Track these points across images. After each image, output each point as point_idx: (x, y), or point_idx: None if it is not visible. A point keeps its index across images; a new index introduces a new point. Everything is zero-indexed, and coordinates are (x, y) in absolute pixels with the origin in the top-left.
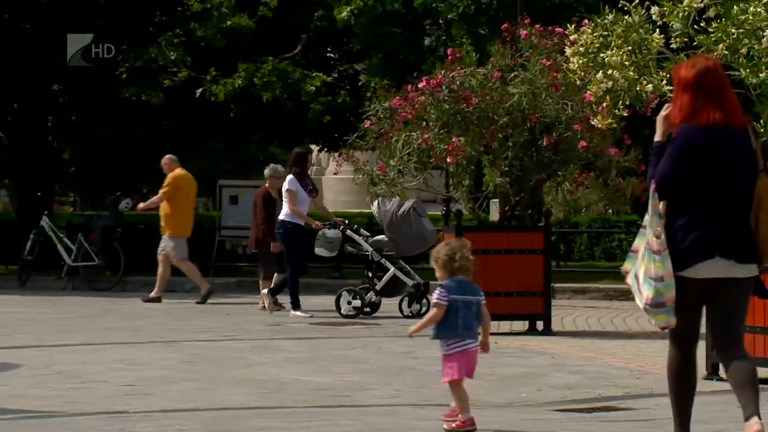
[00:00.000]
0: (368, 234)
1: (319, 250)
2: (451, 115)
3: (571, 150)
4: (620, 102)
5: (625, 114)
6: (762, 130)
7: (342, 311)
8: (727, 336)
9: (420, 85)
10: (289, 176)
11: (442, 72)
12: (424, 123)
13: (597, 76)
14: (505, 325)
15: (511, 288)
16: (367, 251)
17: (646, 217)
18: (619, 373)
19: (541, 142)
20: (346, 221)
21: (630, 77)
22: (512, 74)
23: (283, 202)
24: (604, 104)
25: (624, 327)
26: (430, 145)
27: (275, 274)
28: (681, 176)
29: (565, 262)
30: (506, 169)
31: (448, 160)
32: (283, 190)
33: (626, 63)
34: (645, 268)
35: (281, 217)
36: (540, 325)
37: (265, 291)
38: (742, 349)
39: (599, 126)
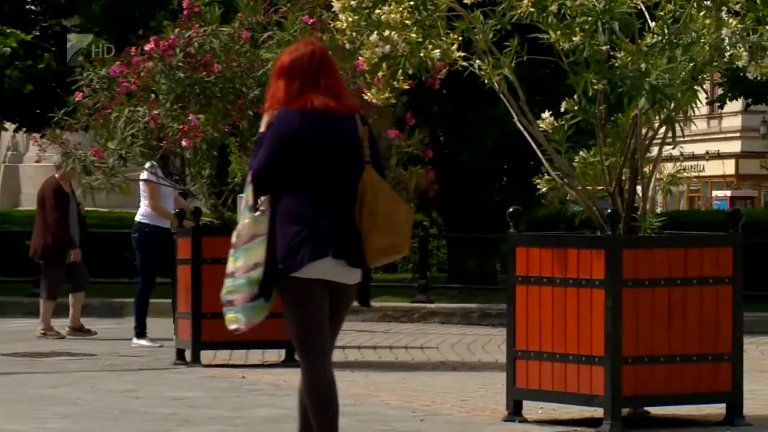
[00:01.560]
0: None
1: None
2: (187, 85)
3: None
4: (400, 71)
5: (407, 86)
6: (576, 108)
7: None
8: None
9: (147, 48)
10: (149, 162)
11: (176, 31)
12: (153, 96)
13: (371, 38)
14: (255, 355)
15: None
16: None
17: (239, 211)
18: (398, 414)
19: None
20: (216, 221)
21: (412, 40)
22: (265, 35)
23: (142, 198)
24: (381, 74)
25: (406, 356)
26: (161, 124)
27: (41, 298)
28: (282, 166)
29: None
30: None
31: (184, 143)
32: (140, 180)
33: (407, 22)
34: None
35: (138, 218)
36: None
37: (69, 330)
38: (330, 364)
39: (374, 101)
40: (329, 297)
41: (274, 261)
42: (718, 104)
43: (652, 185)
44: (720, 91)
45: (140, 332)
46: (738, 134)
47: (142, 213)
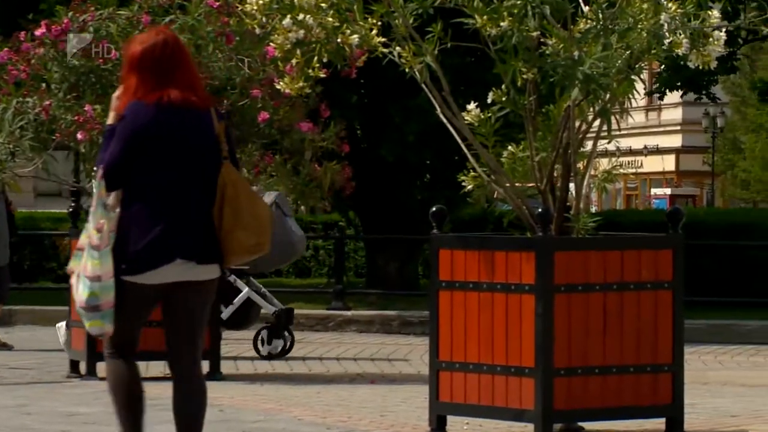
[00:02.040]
0: None
1: None
2: (81, 74)
3: (248, 124)
4: (315, 58)
5: (323, 75)
6: (504, 99)
7: None
8: (187, 347)
9: (38, 33)
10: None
11: (69, 14)
12: (44, 85)
13: (284, 22)
14: (156, 367)
15: (159, 315)
16: None
17: (90, 209)
18: (312, 431)
19: None
20: None
21: (329, 25)
22: (167, 19)
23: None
24: (294, 61)
25: (320, 368)
26: (53, 116)
27: None
28: (132, 162)
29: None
30: None
31: (79, 136)
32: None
33: (323, 5)
34: (83, 265)
35: None
36: (205, 365)
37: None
38: (198, 368)
39: (287, 91)
40: (183, 296)
41: (120, 261)
42: (657, 95)
43: (586, 182)
44: (656, 81)
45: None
46: (678, 128)
47: None
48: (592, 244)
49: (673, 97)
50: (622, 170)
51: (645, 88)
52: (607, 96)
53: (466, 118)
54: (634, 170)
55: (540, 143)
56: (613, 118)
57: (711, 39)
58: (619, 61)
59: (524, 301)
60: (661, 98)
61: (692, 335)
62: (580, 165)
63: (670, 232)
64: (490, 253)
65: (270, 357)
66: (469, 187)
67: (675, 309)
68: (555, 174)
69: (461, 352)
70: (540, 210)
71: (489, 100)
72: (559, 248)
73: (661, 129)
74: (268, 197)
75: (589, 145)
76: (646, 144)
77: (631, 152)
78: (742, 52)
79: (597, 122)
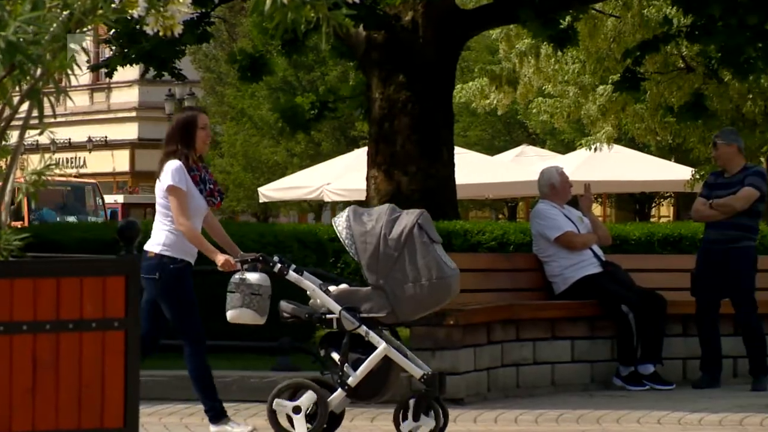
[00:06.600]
0: (324, 281)
1: (238, 313)
2: None
3: None
4: None
5: None
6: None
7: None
8: None
9: None
10: (174, 163)
11: None
12: None
13: None
14: None
15: None
16: (331, 313)
17: None
18: None
19: None
20: (276, 256)
21: None
22: None
23: (160, 216)
24: None
25: None
26: None
27: None
28: None
29: None
30: None
31: None
32: (162, 187)
33: None
34: None
35: (154, 247)
36: None
37: None
38: None
39: None
40: None
41: None
42: (105, 72)
43: (9, 186)
44: (109, 52)
45: (219, 413)
46: (134, 114)
47: (163, 241)
48: (17, 270)
49: (127, 73)
50: (58, 170)
51: (89, 62)
52: (39, 71)
53: None
54: (75, 170)
55: None
56: (46, 100)
57: None
58: (55, 25)
59: None
60: (110, 75)
61: (152, 390)
62: (2, 163)
63: (123, 252)
64: None
65: None
66: None
67: (128, 356)
68: None
69: None
70: None
71: None
72: None
73: (111, 116)
74: (408, 217)
75: (14, 136)
76: (92, 136)
77: (72, 146)
78: (217, 13)
79: (25, 106)
